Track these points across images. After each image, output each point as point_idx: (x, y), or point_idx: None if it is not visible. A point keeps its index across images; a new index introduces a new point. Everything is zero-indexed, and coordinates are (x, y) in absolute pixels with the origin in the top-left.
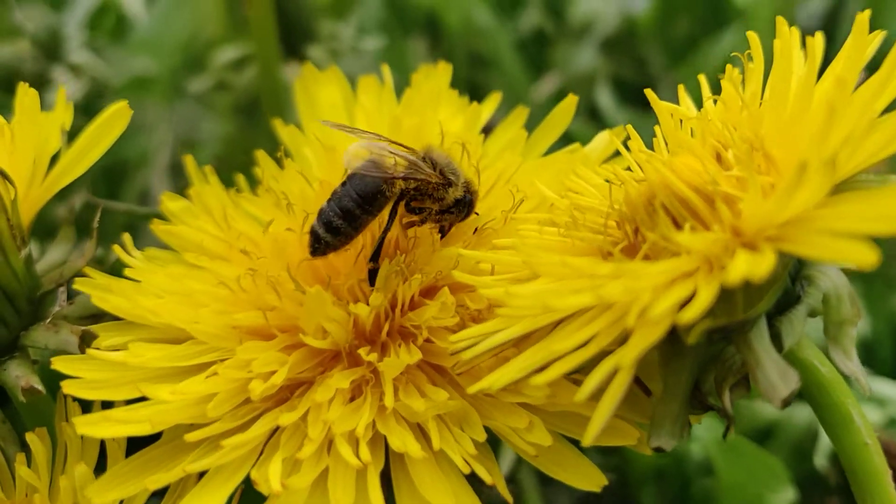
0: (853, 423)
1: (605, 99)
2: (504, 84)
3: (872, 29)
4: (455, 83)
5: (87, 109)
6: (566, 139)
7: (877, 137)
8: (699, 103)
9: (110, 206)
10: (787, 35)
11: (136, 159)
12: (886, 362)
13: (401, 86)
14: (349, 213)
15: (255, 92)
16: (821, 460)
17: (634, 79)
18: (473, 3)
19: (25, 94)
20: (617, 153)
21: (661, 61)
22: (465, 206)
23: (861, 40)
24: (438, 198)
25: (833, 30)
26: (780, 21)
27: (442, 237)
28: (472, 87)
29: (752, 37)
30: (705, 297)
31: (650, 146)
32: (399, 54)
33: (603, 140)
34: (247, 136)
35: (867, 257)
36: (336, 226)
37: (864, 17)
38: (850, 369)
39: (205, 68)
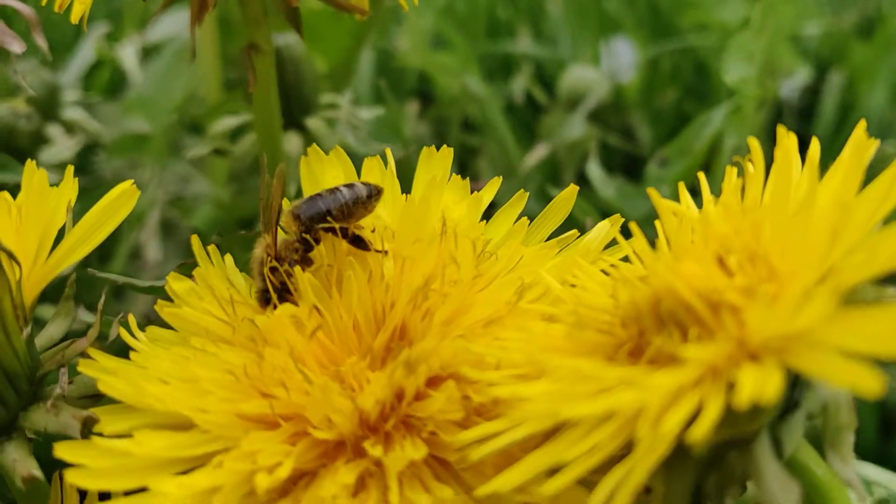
0: None
1: (595, 170)
2: (496, 150)
3: (852, 102)
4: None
5: (79, 167)
6: None
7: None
8: (692, 190)
9: (109, 278)
10: (788, 145)
11: (128, 217)
12: (870, 445)
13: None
14: None
15: (252, 160)
16: None
17: (622, 147)
18: (466, 69)
19: (33, 173)
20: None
21: (647, 131)
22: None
23: (860, 156)
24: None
25: (814, 102)
26: (781, 130)
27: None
28: (463, 151)
29: (753, 143)
30: (712, 412)
31: (640, 220)
32: (393, 120)
33: (602, 229)
34: (240, 203)
35: (870, 385)
36: None
37: (862, 132)
38: (848, 475)
39: (199, 129)
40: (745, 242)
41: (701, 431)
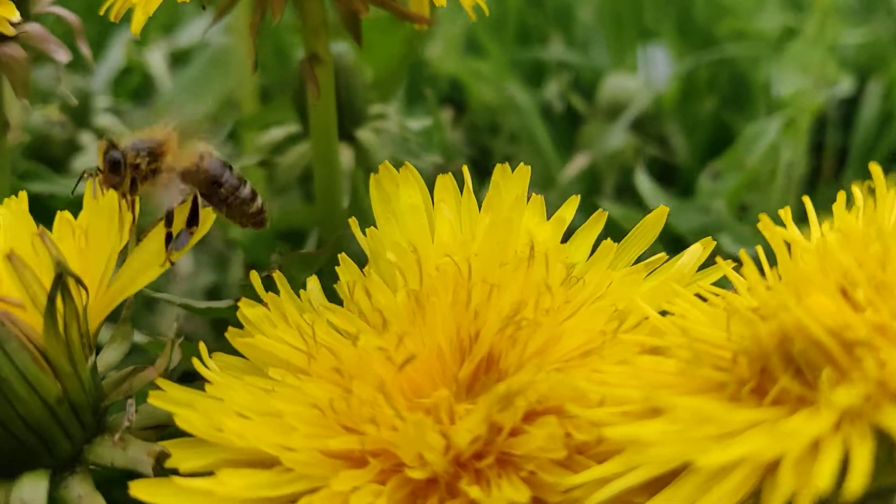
0: None
1: (644, 181)
2: (533, 159)
3: (891, 110)
4: (481, 155)
5: None
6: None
7: None
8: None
9: (165, 298)
10: None
11: None
12: None
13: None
14: None
15: (298, 173)
16: None
17: (659, 156)
18: (501, 76)
19: (99, 193)
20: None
21: (684, 140)
22: None
23: None
24: None
25: (852, 111)
26: None
27: None
28: (498, 159)
29: (875, 168)
30: (863, 461)
31: (691, 234)
32: (429, 128)
33: (695, 253)
34: (283, 216)
35: None
36: None
37: None
38: None
39: (234, 137)
40: (870, 273)
41: (857, 484)
